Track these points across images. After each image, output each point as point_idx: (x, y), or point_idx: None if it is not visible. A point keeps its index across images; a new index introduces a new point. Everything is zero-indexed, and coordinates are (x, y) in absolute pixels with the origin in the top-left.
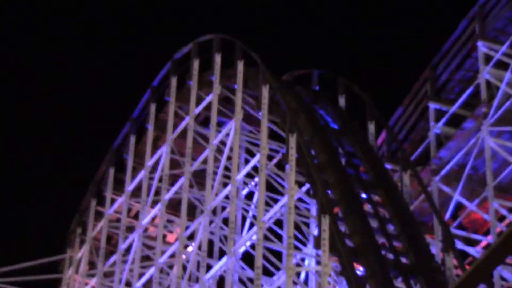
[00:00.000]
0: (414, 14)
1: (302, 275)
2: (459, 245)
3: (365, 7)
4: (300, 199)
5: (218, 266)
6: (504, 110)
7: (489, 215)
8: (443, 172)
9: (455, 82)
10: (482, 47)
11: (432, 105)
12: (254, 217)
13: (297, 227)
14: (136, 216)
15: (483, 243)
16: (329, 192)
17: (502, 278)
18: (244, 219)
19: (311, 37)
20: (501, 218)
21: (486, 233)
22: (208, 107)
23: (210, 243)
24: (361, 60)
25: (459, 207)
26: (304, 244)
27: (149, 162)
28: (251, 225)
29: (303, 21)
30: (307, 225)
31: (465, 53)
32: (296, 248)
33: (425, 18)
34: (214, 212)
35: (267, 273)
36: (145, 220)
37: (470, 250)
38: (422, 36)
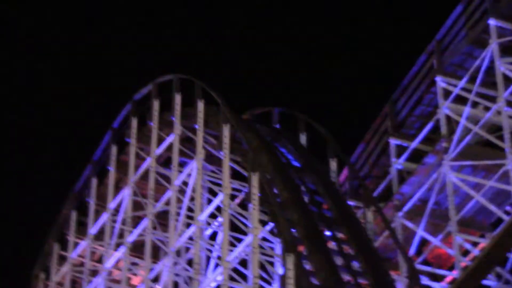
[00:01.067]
0: (373, 49)
1: None
2: (425, 280)
3: (324, 45)
4: (264, 238)
5: None
6: (465, 145)
7: (453, 249)
8: (406, 208)
9: (415, 117)
10: (440, 82)
11: (393, 141)
12: (218, 257)
13: (262, 266)
14: (100, 260)
15: (449, 278)
16: (293, 230)
17: None
18: (208, 259)
19: (271, 76)
20: (465, 253)
21: (451, 268)
22: (169, 148)
23: (175, 284)
24: (321, 97)
25: (423, 242)
26: (270, 284)
27: (112, 205)
28: (216, 266)
29: (263, 59)
30: (272, 264)
31: (424, 88)
32: None
33: (385, 53)
34: (178, 253)
35: None
36: (109, 264)
37: (435, 285)
38: (383, 71)
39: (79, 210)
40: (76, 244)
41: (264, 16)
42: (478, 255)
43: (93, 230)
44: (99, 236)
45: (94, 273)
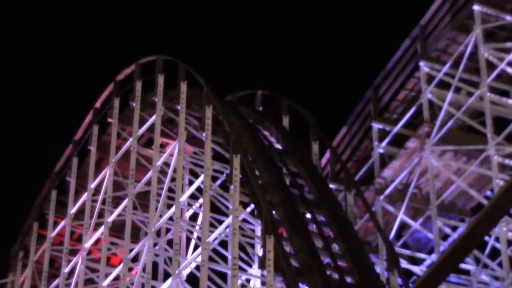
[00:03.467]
0: (359, 33)
1: None
2: (404, 264)
3: (309, 27)
4: (244, 220)
5: None
6: (447, 130)
7: (433, 233)
8: (387, 192)
9: (398, 101)
10: (424, 67)
11: (375, 125)
12: (198, 238)
13: (242, 248)
14: (80, 239)
15: (427, 262)
16: (273, 212)
17: None
18: (188, 240)
19: (255, 58)
20: (445, 237)
21: (430, 252)
22: (151, 129)
23: (155, 265)
24: (304, 81)
25: (403, 226)
26: (249, 265)
27: (92, 185)
28: (196, 247)
29: (247, 41)
30: (252, 246)
31: (408, 73)
32: (241, 269)
33: (369, 37)
34: (158, 234)
35: None
36: (89, 243)
37: (414, 269)
38: (367, 55)
39: (59, 189)
40: (55, 223)
41: None
42: (455, 239)
43: (73, 209)
44: (79, 215)
45: (73, 252)
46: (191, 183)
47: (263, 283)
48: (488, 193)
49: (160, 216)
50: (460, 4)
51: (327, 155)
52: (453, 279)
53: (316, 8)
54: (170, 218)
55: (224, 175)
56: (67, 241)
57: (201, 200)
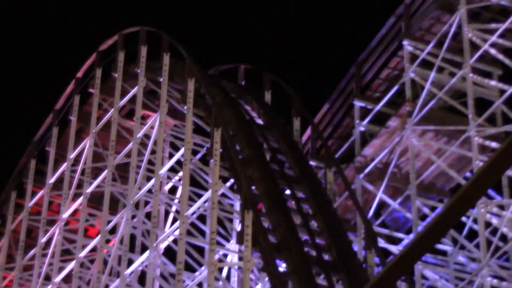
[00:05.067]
0: (344, 9)
1: (225, 271)
2: (382, 243)
3: (294, 2)
4: (224, 195)
5: (140, 261)
6: (428, 109)
7: (412, 213)
8: (367, 170)
9: (381, 80)
10: (407, 46)
11: (358, 103)
12: (177, 211)
13: (220, 222)
14: (57, 209)
15: (405, 242)
16: (253, 187)
17: (423, 277)
18: (167, 213)
19: (238, 32)
20: (423, 217)
21: (408, 232)
22: (133, 100)
23: (132, 237)
24: (288, 56)
25: (382, 205)
26: (227, 240)
27: (72, 155)
28: (174, 220)
29: (230, 15)
30: (231, 220)
31: (391, 52)
32: (219, 244)
33: (353, 14)
34: (137, 206)
35: (189, 268)
36: (66, 214)
37: (392, 248)
38: (351, 31)
39: (38, 159)
40: (34, 193)
41: None
42: (432, 218)
43: (51, 179)
44: (58, 185)
45: (51, 222)
46: (171, 156)
47: (240, 258)
48: (468, 174)
49: (139, 189)
50: None
51: (308, 131)
52: (430, 259)
53: None
54: (149, 191)
55: (205, 149)
56: (45, 211)
57: (180, 174)
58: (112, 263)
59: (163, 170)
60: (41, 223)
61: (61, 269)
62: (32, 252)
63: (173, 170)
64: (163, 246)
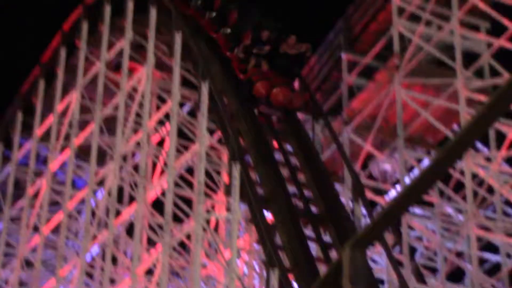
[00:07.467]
0: None
1: (213, 224)
2: (369, 194)
3: None
4: (212, 147)
5: (128, 212)
6: (416, 63)
7: (399, 165)
8: (354, 123)
9: (369, 33)
10: None
11: (345, 56)
12: (165, 163)
13: (208, 175)
14: (45, 161)
15: (392, 193)
16: (240, 140)
17: (410, 227)
18: (155, 165)
19: None
20: (410, 169)
21: (395, 184)
22: (120, 53)
23: (120, 189)
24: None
25: (370, 157)
26: (215, 192)
27: (59, 107)
28: (162, 172)
29: None
30: (219, 173)
31: (379, 5)
32: (207, 195)
33: None
34: (124, 158)
35: (177, 219)
36: (54, 166)
37: (379, 199)
38: None
39: (25, 111)
40: (21, 145)
41: None
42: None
43: (39, 131)
44: (45, 138)
45: (39, 174)
46: (159, 108)
47: (228, 210)
48: (455, 127)
49: (127, 141)
50: None
51: (296, 84)
52: (417, 210)
53: None
54: (137, 143)
55: (192, 101)
56: (32, 163)
57: (168, 126)
58: (100, 215)
59: (151, 123)
60: (29, 175)
61: (49, 220)
62: (20, 203)
63: (161, 122)
64: (151, 197)
